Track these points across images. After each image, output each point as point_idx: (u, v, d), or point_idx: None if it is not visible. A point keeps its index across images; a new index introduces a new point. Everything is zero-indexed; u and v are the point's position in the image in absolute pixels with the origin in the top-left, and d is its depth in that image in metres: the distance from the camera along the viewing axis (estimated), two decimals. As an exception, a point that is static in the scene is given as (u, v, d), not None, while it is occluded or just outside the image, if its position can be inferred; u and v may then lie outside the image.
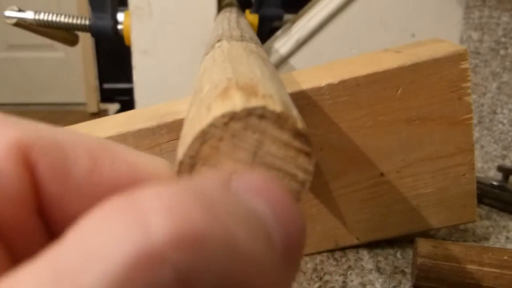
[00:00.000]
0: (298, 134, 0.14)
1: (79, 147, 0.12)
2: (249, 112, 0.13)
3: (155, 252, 0.08)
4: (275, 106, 0.14)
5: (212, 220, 0.09)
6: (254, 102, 0.13)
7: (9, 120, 0.12)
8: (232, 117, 0.13)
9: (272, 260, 0.10)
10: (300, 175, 0.14)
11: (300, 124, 0.14)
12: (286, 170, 0.14)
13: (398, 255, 0.37)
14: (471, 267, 0.32)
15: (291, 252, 0.11)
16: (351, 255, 0.37)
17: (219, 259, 0.09)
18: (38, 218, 0.12)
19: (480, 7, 0.65)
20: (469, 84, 0.32)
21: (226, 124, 0.13)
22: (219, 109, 0.14)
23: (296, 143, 0.14)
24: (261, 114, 0.13)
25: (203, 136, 0.14)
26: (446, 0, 0.71)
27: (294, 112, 0.14)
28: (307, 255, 0.37)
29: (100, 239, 0.09)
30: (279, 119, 0.14)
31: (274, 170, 0.14)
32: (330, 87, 0.31)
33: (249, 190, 0.11)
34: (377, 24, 0.75)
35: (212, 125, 0.13)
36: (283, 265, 0.10)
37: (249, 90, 0.14)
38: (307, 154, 0.14)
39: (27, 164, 0.12)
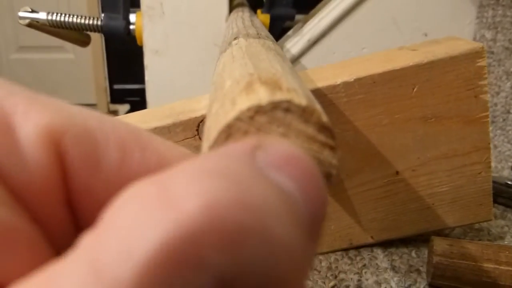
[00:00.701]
0: (323, 128, 0.14)
1: (110, 136, 0.12)
2: (274, 106, 0.13)
3: (190, 251, 0.08)
4: (300, 99, 0.14)
5: (247, 209, 0.09)
6: (280, 96, 0.14)
7: (41, 102, 0.11)
8: (258, 110, 0.13)
9: (302, 244, 0.09)
10: (325, 168, 0.14)
11: (325, 118, 0.14)
12: None
13: (413, 254, 0.37)
14: (487, 265, 0.31)
15: (316, 229, 0.10)
16: (365, 253, 0.37)
17: (259, 255, 0.08)
18: (66, 207, 0.12)
19: (494, 6, 0.65)
20: (485, 82, 0.32)
21: (251, 117, 0.13)
22: (244, 102, 0.14)
23: (321, 137, 0.14)
24: (287, 107, 0.13)
25: (228, 130, 0.14)
26: (459, 0, 0.71)
27: (318, 106, 0.14)
28: (321, 253, 0.37)
29: (131, 230, 0.08)
30: (304, 113, 0.14)
31: None
32: (346, 85, 0.31)
33: (275, 165, 0.10)
34: (389, 24, 0.75)
35: (238, 118, 0.13)
36: (310, 244, 0.10)
37: (273, 84, 0.14)
38: (332, 148, 0.14)
39: (58, 152, 0.11)
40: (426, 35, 0.73)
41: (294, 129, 0.14)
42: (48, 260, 0.10)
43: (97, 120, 0.12)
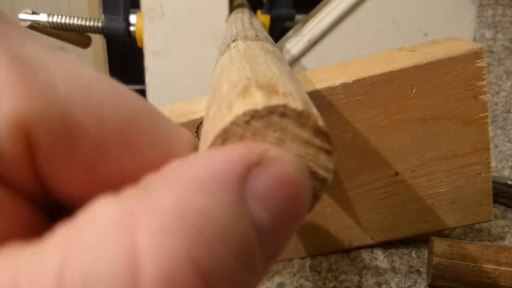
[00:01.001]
0: (319, 132, 0.14)
1: (91, 130, 0.12)
2: (270, 110, 0.13)
3: None
4: (296, 104, 0.14)
5: (196, 272, 0.09)
6: (276, 100, 0.14)
7: (23, 83, 0.11)
8: (254, 115, 0.13)
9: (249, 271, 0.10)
10: (321, 173, 0.14)
11: (321, 122, 0.14)
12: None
13: (413, 254, 0.37)
14: (487, 266, 0.31)
15: (272, 259, 0.12)
16: (365, 254, 0.37)
17: None
18: (38, 185, 0.12)
19: (494, 5, 0.65)
20: (485, 82, 0.32)
21: (247, 122, 0.14)
22: (241, 107, 0.14)
23: (317, 141, 0.14)
24: (283, 112, 0.13)
25: (224, 134, 0.14)
26: (459, -1, 0.71)
27: (315, 110, 0.14)
28: (321, 254, 0.37)
29: (94, 246, 0.09)
30: (300, 117, 0.14)
31: None
32: (345, 86, 0.31)
33: (260, 197, 0.11)
34: (389, 24, 0.75)
35: (234, 123, 0.13)
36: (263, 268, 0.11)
37: (269, 89, 0.14)
38: (328, 152, 0.14)
39: (27, 140, 0.11)
40: (426, 34, 0.73)
41: (290, 133, 0.14)
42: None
43: (83, 108, 0.12)
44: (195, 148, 0.14)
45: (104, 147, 0.12)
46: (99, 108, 0.12)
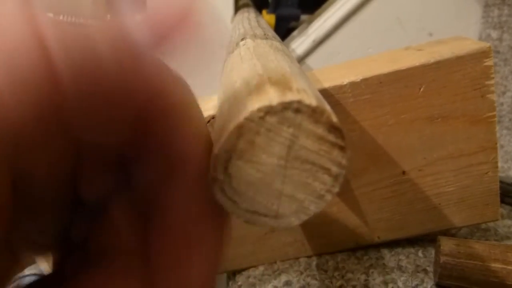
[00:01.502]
0: (332, 128, 0.14)
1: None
2: (285, 106, 0.14)
3: None
4: (311, 100, 0.14)
5: None
6: (290, 96, 0.14)
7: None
8: (268, 111, 0.14)
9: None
10: (334, 169, 0.15)
11: (334, 118, 0.14)
12: (320, 164, 0.14)
13: (420, 253, 0.37)
14: (495, 265, 0.31)
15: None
16: (372, 253, 0.37)
17: None
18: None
19: (500, 5, 0.65)
20: (492, 81, 0.32)
21: (262, 118, 0.14)
22: (255, 103, 0.14)
23: (331, 137, 0.14)
24: (297, 108, 0.14)
25: (239, 130, 0.14)
26: (464, -1, 0.71)
27: (328, 107, 0.15)
28: (328, 253, 0.38)
29: None
30: (315, 113, 0.14)
31: (308, 164, 0.14)
32: (353, 85, 0.32)
33: None
34: (394, 24, 0.75)
35: (249, 119, 0.14)
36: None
37: (283, 85, 0.15)
38: (341, 148, 0.14)
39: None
40: (431, 34, 0.73)
41: (304, 129, 0.14)
42: None
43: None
44: None
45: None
46: None
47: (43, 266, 0.38)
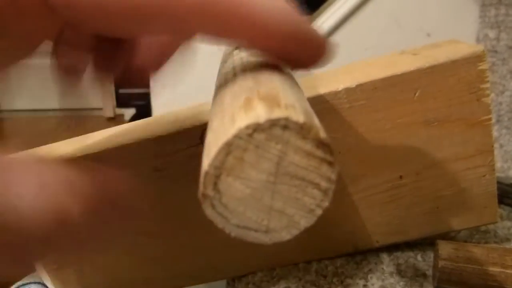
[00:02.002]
0: (321, 144, 0.14)
1: None
2: (272, 123, 0.14)
3: None
4: (298, 116, 0.14)
5: None
6: (278, 113, 0.14)
7: None
8: (256, 128, 0.14)
9: None
10: (323, 184, 0.15)
11: (322, 134, 0.14)
12: (309, 179, 0.14)
13: (419, 257, 0.37)
14: (493, 269, 0.31)
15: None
16: (371, 258, 0.37)
17: None
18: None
19: (496, 5, 0.65)
20: (487, 85, 0.32)
21: (250, 135, 0.14)
22: (243, 120, 0.14)
23: (319, 153, 0.14)
24: (285, 125, 0.14)
25: (227, 147, 0.14)
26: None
27: (316, 122, 0.15)
28: (327, 258, 0.38)
29: None
30: (302, 130, 0.14)
31: (297, 179, 0.14)
32: (348, 91, 0.32)
33: None
34: (392, 24, 0.74)
35: (237, 136, 0.14)
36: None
37: (271, 101, 0.15)
38: (330, 163, 0.14)
39: None
40: (429, 35, 0.73)
41: (292, 145, 0.14)
42: None
43: None
44: None
45: None
46: None
47: (43, 274, 0.38)
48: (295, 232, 0.15)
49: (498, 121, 0.63)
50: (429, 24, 0.73)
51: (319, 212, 0.15)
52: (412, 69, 0.32)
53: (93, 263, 0.37)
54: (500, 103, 0.63)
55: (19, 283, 0.44)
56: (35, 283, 0.41)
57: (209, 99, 0.27)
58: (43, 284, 0.42)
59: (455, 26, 0.72)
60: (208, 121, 0.22)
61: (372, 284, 0.34)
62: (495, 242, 0.39)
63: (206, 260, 0.37)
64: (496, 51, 0.64)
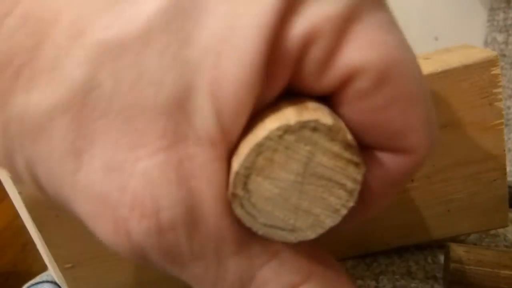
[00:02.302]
0: (348, 146, 0.14)
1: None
2: (302, 125, 0.14)
3: None
4: (327, 119, 0.14)
5: None
6: (307, 116, 0.14)
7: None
8: (287, 130, 0.14)
9: None
10: (349, 184, 0.15)
11: (349, 136, 0.15)
12: (335, 180, 0.15)
13: (429, 260, 0.38)
14: (504, 272, 0.32)
15: None
16: (382, 260, 0.38)
17: None
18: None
19: (505, 9, 0.65)
20: (500, 89, 0.33)
21: (280, 136, 0.14)
22: (274, 122, 0.14)
23: (346, 154, 0.15)
24: (314, 126, 0.14)
25: (258, 148, 0.14)
26: (470, 3, 0.71)
27: (343, 125, 0.15)
28: (338, 260, 0.38)
29: None
30: (331, 132, 0.14)
31: (324, 180, 0.15)
32: (361, 94, 0.32)
33: None
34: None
35: (268, 137, 0.14)
36: None
37: (299, 104, 0.15)
38: (356, 164, 0.15)
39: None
40: (436, 39, 0.74)
41: (320, 147, 0.14)
42: None
43: (402, 73, 0.15)
44: None
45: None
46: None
47: (55, 274, 0.38)
48: (320, 231, 0.16)
49: (507, 125, 0.64)
50: (437, 28, 0.74)
51: (344, 212, 0.15)
52: (424, 73, 0.32)
53: (105, 263, 0.37)
54: (509, 107, 0.63)
55: (31, 282, 0.44)
56: (47, 282, 0.42)
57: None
58: (55, 284, 0.43)
59: (463, 30, 0.72)
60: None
61: (383, 286, 0.35)
62: (505, 246, 0.40)
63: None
64: (504, 55, 0.64)
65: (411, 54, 0.16)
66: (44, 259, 0.38)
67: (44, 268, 0.42)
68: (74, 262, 0.36)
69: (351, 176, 0.15)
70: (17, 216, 0.35)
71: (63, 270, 0.37)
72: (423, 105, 0.16)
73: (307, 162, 0.15)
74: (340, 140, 0.14)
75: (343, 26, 0.14)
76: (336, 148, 0.14)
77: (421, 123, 0.15)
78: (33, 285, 0.44)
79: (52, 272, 0.39)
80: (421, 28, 0.74)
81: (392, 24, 0.16)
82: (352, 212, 0.16)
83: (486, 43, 0.70)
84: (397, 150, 0.16)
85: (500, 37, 0.66)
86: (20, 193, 0.32)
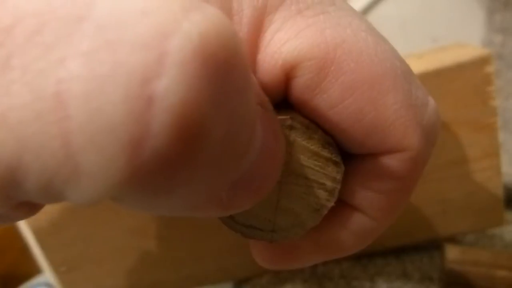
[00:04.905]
0: (326, 144, 0.14)
1: (340, 78, 0.14)
2: (279, 123, 0.14)
3: None
4: (303, 117, 0.14)
5: None
6: (283, 114, 0.14)
7: (297, 27, 0.14)
8: None
9: None
10: (329, 183, 0.15)
11: (328, 134, 0.14)
12: (315, 179, 0.15)
13: (425, 260, 0.37)
14: (500, 272, 0.31)
15: None
16: (377, 260, 0.37)
17: None
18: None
19: (502, 10, 0.65)
20: (493, 88, 0.32)
21: None
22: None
23: (325, 153, 0.14)
24: (290, 124, 0.14)
25: None
26: (467, 5, 0.71)
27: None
28: (333, 261, 0.38)
29: None
30: (308, 130, 0.14)
31: (303, 179, 0.15)
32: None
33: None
34: (398, 29, 0.75)
35: None
36: None
37: (276, 106, 0.15)
38: (336, 163, 0.15)
39: (287, 75, 0.14)
40: (434, 40, 0.73)
41: (298, 145, 0.14)
42: None
43: (342, 53, 0.14)
44: None
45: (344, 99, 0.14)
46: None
47: (51, 277, 0.38)
48: (300, 231, 0.16)
49: (503, 126, 0.63)
50: (434, 29, 0.73)
51: (324, 211, 0.15)
52: (417, 72, 0.32)
53: (100, 267, 0.37)
54: (506, 109, 0.63)
55: (26, 284, 0.44)
56: (44, 284, 0.42)
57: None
58: (51, 287, 0.43)
59: (461, 31, 0.72)
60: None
61: (379, 287, 0.34)
62: (502, 246, 0.39)
63: (213, 262, 0.37)
64: (502, 57, 0.64)
65: (355, 33, 0.14)
66: (40, 263, 0.38)
67: (42, 271, 0.42)
68: (69, 266, 0.36)
69: (330, 175, 0.15)
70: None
71: (58, 273, 0.37)
72: (395, 87, 0.14)
73: (286, 161, 0.14)
74: (318, 138, 0.14)
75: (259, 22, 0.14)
76: (314, 146, 0.14)
77: (399, 108, 0.14)
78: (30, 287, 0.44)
79: (48, 275, 0.39)
80: (418, 29, 0.74)
81: (317, 6, 0.14)
82: (370, 232, 0.15)
83: (483, 45, 0.70)
84: (387, 150, 0.15)
85: (497, 39, 0.66)
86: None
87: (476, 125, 0.33)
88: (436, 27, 0.73)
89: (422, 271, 0.36)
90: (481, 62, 0.32)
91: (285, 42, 0.14)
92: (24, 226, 0.34)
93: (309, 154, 0.14)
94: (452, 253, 0.33)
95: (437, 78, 0.32)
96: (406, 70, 0.16)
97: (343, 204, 0.16)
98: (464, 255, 0.33)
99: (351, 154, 0.15)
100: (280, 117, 0.14)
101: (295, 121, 0.14)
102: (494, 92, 0.32)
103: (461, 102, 0.33)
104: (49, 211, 0.33)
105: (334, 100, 0.14)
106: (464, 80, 0.32)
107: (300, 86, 0.14)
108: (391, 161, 0.15)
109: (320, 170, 0.15)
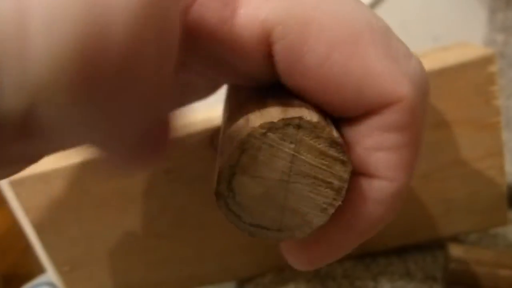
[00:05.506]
0: (334, 143, 0.14)
1: (323, 34, 0.14)
2: (286, 123, 0.14)
3: None
4: (311, 116, 0.14)
5: None
6: (291, 113, 0.14)
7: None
8: (270, 127, 0.14)
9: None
10: (336, 182, 0.15)
11: (335, 133, 0.14)
12: (322, 178, 0.15)
13: (429, 260, 0.37)
14: (504, 272, 0.31)
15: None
16: (380, 260, 0.37)
17: None
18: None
19: (504, 9, 0.65)
20: (496, 87, 0.32)
21: (264, 134, 0.14)
22: (257, 120, 0.14)
23: (332, 152, 0.14)
24: (298, 124, 0.14)
25: (242, 146, 0.14)
26: (469, 4, 0.71)
27: (329, 122, 0.15)
28: (336, 261, 0.38)
29: None
30: (316, 129, 0.14)
31: (310, 178, 0.15)
32: (357, 94, 0.32)
33: None
34: (399, 28, 0.74)
35: (251, 135, 0.14)
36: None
37: (284, 101, 0.15)
38: (343, 162, 0.15)
39: (267, 41, 0.14)
40: (436, 39, 0.73)
41: (305, 144, 0.14)
42: None
43: (320, 13, 0.14)
44: None
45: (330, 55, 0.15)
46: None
47: (54, 277, 0.38)
48: (307, 230, 0.16)
49: (506, 125, 0.63)
50: (436, 29, 0.73)
51: (331, 211, 0.15)
52: (421, 72, 0.32)
53: (103, 266, 0.37)
54: (508, 108, 0.63)
55: (29, 283, 0.44)
56: (46, 284, 0.42)
57: (221, 101, 0.27)
58: (54, 286, 0.43)
59: (463, 30, 0.72)
60: (217, 126, 0.23)
61: (382, 286, 0.34)
62: (505, 246, 0.39)
63: (217, 261, 0.37)
64: (504, 56, 0.64)
65: None
66: (43, 262, 0.38)
67: (45, 271, 0.42)
68: (73, 265, 0.36)
69: (337, 174, 0.15)
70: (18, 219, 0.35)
71: (61, 273, 0.37)
72: (374, 41, 0.15)
73: (292, 160, 0.14)
74: (325, 138, 0.14)
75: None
76: (321, 145, 0.14)
77: (382, 59, 0.15)
78: (33, 287, 0.44)
79: (51, 274, 0.39)
80: (420, 28, 0.74)
81: None
82: (393, 195, 0.15)
83: (485, 44, 0.70)
84: (381, 104, 0.15)
85: (499, 38, 0.66)
86: (17, 196, 0.32)
87: (479, 125, 0.33)
88: (437, 26, 0.73)
89: (425, 270, 0.36)
90: (484, 61, 0.32)
91: (262, 3, 0.14)
92: (27, 226, 0.34)
93: (316, 153, 0.14)
94: (455, 252, 0.33)
95: (440, 78, 0.32)
96: (384, 26, 0.17)
97: (358, 177, 0.16)
98: (467, 255, 0.33)
99: (351, 124, 0.16)
100: (288, 116, 0.14)
101: (303, 121, 0.14)
102: (497, 92, 0.32)
103: (464, 101, 0.33)
104: (52, 210, 0.33)
105: (322, 57, 0.14)
106: (467, 80, 0.32)
107: (285, 47, 0.14)
108: (389, 115, 0.15)
109: (327, 169, 0.15)
